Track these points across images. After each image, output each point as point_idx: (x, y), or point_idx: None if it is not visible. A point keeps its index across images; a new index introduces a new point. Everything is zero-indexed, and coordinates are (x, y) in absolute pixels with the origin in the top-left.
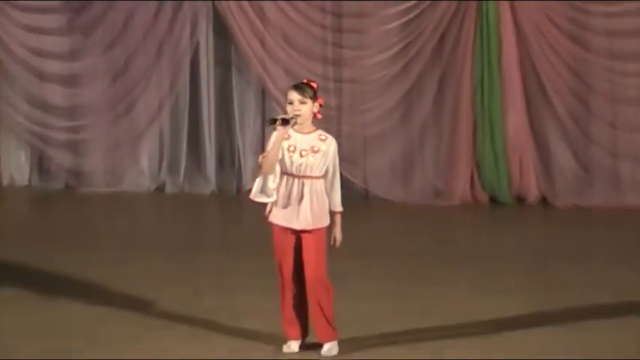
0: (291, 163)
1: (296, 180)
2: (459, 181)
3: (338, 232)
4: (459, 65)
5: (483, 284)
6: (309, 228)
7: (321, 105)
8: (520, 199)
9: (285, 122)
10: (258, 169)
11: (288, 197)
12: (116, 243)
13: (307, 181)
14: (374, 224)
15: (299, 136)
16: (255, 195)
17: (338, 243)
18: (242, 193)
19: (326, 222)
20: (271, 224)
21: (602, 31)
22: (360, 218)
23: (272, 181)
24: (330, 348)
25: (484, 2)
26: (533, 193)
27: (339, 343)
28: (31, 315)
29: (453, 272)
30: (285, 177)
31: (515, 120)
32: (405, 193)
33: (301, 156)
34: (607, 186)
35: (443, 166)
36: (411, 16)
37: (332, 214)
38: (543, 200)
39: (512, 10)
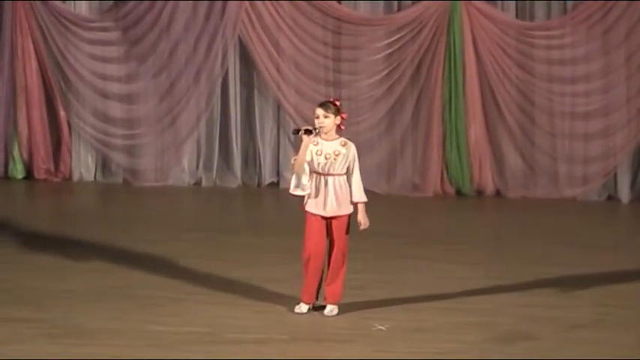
0: (319, 164)
1: (322, 177)
2: (432, 177)
3: (361, 217)
4: (431, 87)
5: (451, 258)
6: (335, 215)
7: (343, 118)
8: (480, 192)
9: (309, 132)
10: (292, 169)
11: (317, 190)
12: (163, 226)
13: (331, 178)
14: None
15: (325, 142)
16: (293, 189)
17: (362, 227)
18: (262, 186)
19: (348, 210)
20: (305, 212)
21: (544, 60)
22: (354, 207)
23: (304, 179)
24: (332, 309)
25: (452, 37)
26: (489, 187)
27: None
28: (97, 282)
29: (427, 249)
30: (315, 175)
31: (476, 130)
32: (389, 187)
33: (326, 158)
34: (547, 181)
35: (419, 165)
36: (394, 48)
37: (355, 203)
38: (498, 193)
39: (474, 43)
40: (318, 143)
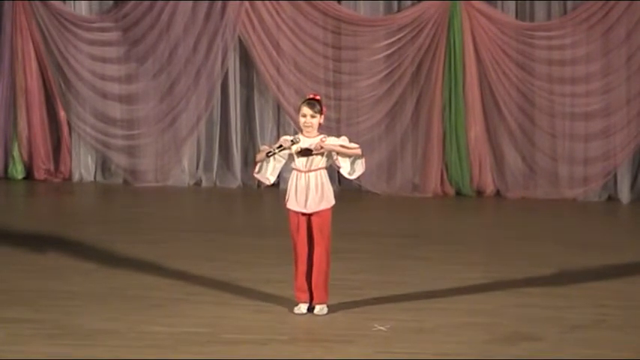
0: (300, 161)
1: (303, 174)
2: (432, 177)
3: (335, 144)
4: (432, 88)
5: (450, 258)
6: (316, 210)
7: (324, 114)
8: (479, 192)
9: (282, 149)
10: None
11: (298, 188)
12: (163, 226)
13: (312, 174)
14: (364, 212)
15: (306, 139)
16: (256, 174)
17: (325, 142)
18: (262, 187)
19: (329, 203)
20: (288, 210)
21: (544, 61)
22: (354, 207)
23: (268, 172)
24: (322, 308)
25: (452, 38)
26: (489, 188)
27: (331, 306)
28: (97, 283)
29: (426, 249)
30: (296, 172)
31: (476, 130)
32: (389, 187)
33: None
34: (547, 182)
35: (419, 166)
36: (394, 49)
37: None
38: (497, 193)
39: (474, 43)
40: (300, 141)
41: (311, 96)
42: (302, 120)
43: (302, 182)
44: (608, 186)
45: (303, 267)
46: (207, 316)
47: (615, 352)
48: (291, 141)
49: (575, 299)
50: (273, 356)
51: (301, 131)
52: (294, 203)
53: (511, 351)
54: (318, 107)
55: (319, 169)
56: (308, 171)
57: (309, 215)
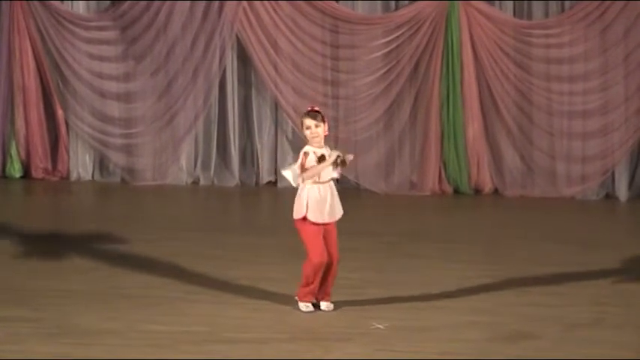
0: (326, 172)
1: (322, 185)
2: (430, 176)
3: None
4: (429, 86)
5: (449, 257)
6: (333, 219)
7: (326, 123)
8: (477, 191)
9: (344, 164)
10: (307, 172)
11: (319, 199)
12: (161, 225)
13: (328, 185)
14: (363, 210)
15: (318, 150)
16: (288, 177)
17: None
18: (259, 186)
19: (342, 211)
20: (305, 221)
21: (542, 59)
22: (352, 206)
23: (293, 179)
24: (328, 304)
25: (449, 36)
26: (487, 186)
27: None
28: (95, 281)
29: (425, 248)
30: (316, 185)
31: (474, 129)
32: (387, 186)
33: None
34: (545, 181)
35: (417, 164)
36: (392, 47)
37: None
38: (496, 191)
39: (472, 42)
40: (347, 160)
41: (309, 108)
42: (307, 132)
43: (325, 194)
44: (606, 184)
45: (319, 275)
46: (206, 315)
47: (615, 351)
48: (338, 155)
49: (574, 297)
50: (272, 355)
51: (309, 143)
52: (317, 215)
53: (511, 350)
54: (320, 117)
55: (332, 179)
56: (325, 182)
57: (324, 224)
